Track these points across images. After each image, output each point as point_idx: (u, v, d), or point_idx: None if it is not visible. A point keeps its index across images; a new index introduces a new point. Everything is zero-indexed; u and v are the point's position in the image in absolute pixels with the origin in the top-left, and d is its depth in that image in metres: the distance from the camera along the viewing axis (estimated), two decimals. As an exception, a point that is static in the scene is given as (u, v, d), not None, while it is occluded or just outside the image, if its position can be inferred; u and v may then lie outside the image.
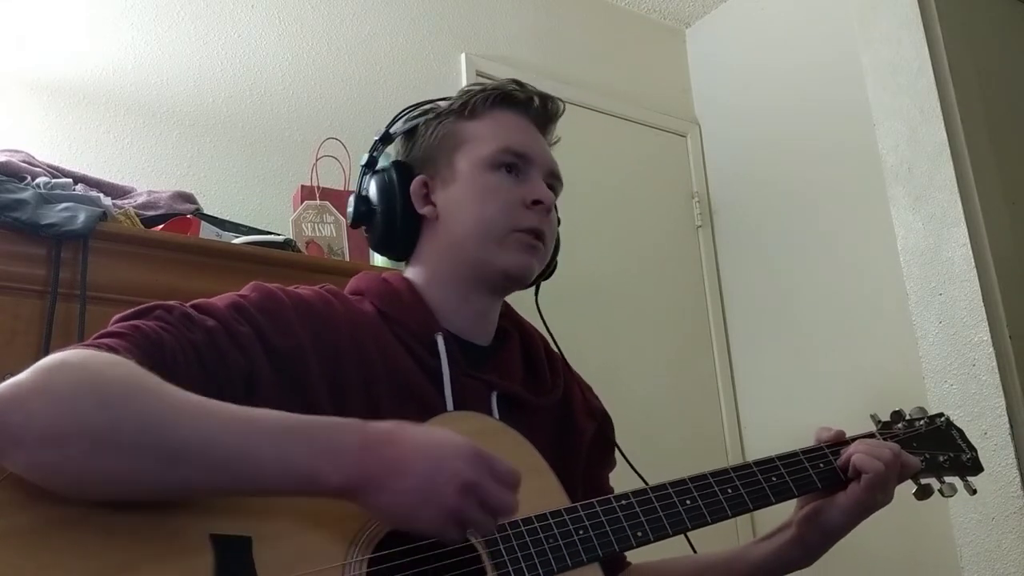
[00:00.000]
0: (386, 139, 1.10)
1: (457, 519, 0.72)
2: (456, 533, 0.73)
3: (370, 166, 1.09)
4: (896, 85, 2.26)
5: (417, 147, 1.06)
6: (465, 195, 1.01)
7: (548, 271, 1.10)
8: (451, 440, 0.75)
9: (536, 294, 1.14)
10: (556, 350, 1.13)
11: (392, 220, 1.04)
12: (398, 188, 1.04)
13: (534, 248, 1.01)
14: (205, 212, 1.73)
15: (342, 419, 0.76)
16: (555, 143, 1.10)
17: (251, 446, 0.70)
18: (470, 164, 1.02)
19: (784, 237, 2.63)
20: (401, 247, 1.06)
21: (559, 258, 1.11)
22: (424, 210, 1.03)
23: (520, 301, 1.12)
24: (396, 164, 1.07)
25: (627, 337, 2.56)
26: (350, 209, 1.09)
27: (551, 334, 1.13)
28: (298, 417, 0.74)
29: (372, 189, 1.06)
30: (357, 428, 0.74)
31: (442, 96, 1.11)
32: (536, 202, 1.00)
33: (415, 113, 1.09)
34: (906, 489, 1.04)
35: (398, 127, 1.09)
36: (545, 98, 1.07)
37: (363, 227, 1.09)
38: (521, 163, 1.02)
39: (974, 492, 1.06)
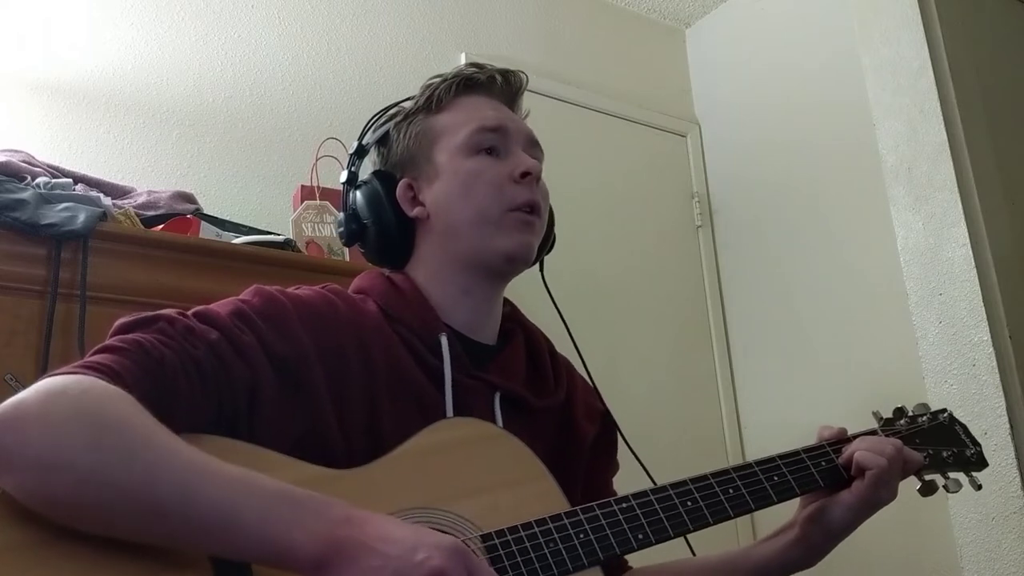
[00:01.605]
0: (360, 152, 1.09)
1: None
2: None
3: (351, 182, 1.08)
4: (896, 85, 2.26)
5: (393, 152, 1.06)
6: (451, 187, 1.00)
7: (548, 244, 1.10)
8: (437, 535, 0.70)
9: (541, 270, 1.12)
10: (560, 351, 1.12)
11: (385, 229, 1.03)
12: (384, 196, 1.03)
13: (530, 225, 1.00)
14: (205, 212, 1.73)
15: (332, 497, 0.71)
16: (525, 116, 1.09)
17: (232, 509, 0.67)
18: (449, 155, 1.01)
19: (784, 237, 2.63)
20: (398, 254, 1.05)
21: (567, 258, 1.09)
22: (414, 212, 1.02)
23: (527, 287, 1.12)
24: (377, 173, 1.06)
25: (627, 337, 2.56)
26: (341, 229, 1.08)
27: (560, 313, 1.12)
28: (285, 485, 0.70)
29: (359, 203, 1.05)
30: (344, 506, 0.71)
31: (407, 97, 1.10)
32: (524, 174, 0.99)
33: (382, 120, 1.08)
34: (909, 487, 1.03)
35: (369, 137, 1.08)
36: (506, 73, 1.06)
37: (358, 243, 1.08)
38: (499, 140, 1.01)
39: (979, 487, 1.05)
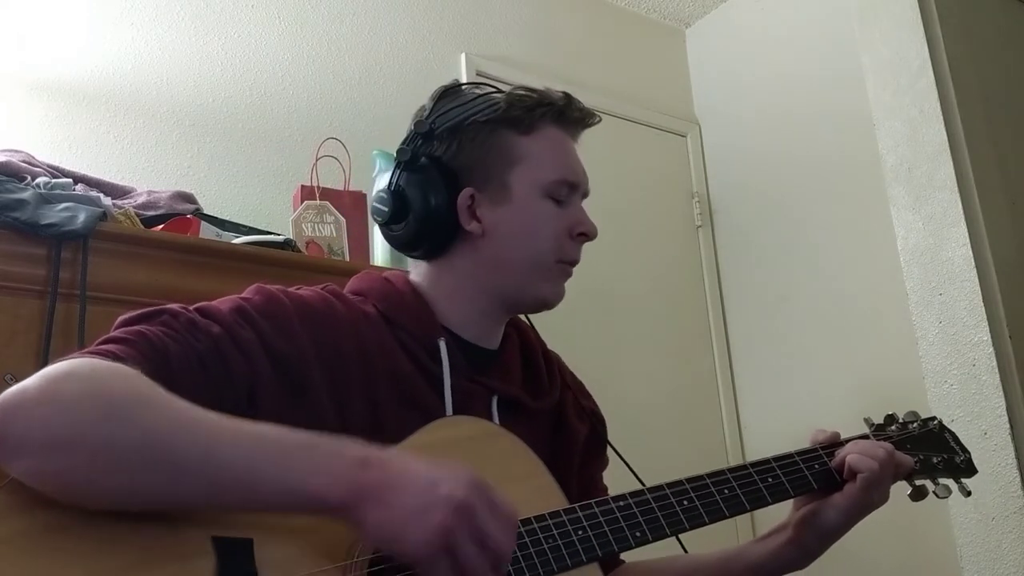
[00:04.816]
0: (428, 136, 1.00)
1: (445, 540, 0.67)
2: (443, 560, 0.68)
3: (412, 163, 1.00)
4: (896, 85, 2.26)
5: (463, 152, 0.99)
6: (518, 220, 0.99)
7: None
8: (454, 466, 0.72)
9: None
10: (552, 350, 1.13)
11: (432, 228, 0.98)
12: (445, 196, 0.97)
13: (568, 277, 1.03)
14: (205, 212, 1.73)
15: (346, 439, 0.74)
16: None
17: (252, 464, 0.69)
18: (526, 186, 0.99)
19: (784, 237, 2.63)
20: (429, 251, 1.01)
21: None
22: (470, 226, 0.98)
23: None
24: (439, 167, 0.99)
25: (627, 337, 2.56)
26: (382, 206, 1.01)
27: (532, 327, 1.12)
28: (300, 434, 0.72)
29: (414, 191, 0.98)
30: (360, 447, 0.73)
31: (476, 81, 1.08)
32: (582, 235, 1.02)
33: (454, 106, 1.00)
34: (902, 491, 1.04)
35: (440, 122, 1.00)
36: (587, 117, 1.07)
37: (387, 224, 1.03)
38: (569, 194, 1.03)
39: (968, 494, 1.07)
